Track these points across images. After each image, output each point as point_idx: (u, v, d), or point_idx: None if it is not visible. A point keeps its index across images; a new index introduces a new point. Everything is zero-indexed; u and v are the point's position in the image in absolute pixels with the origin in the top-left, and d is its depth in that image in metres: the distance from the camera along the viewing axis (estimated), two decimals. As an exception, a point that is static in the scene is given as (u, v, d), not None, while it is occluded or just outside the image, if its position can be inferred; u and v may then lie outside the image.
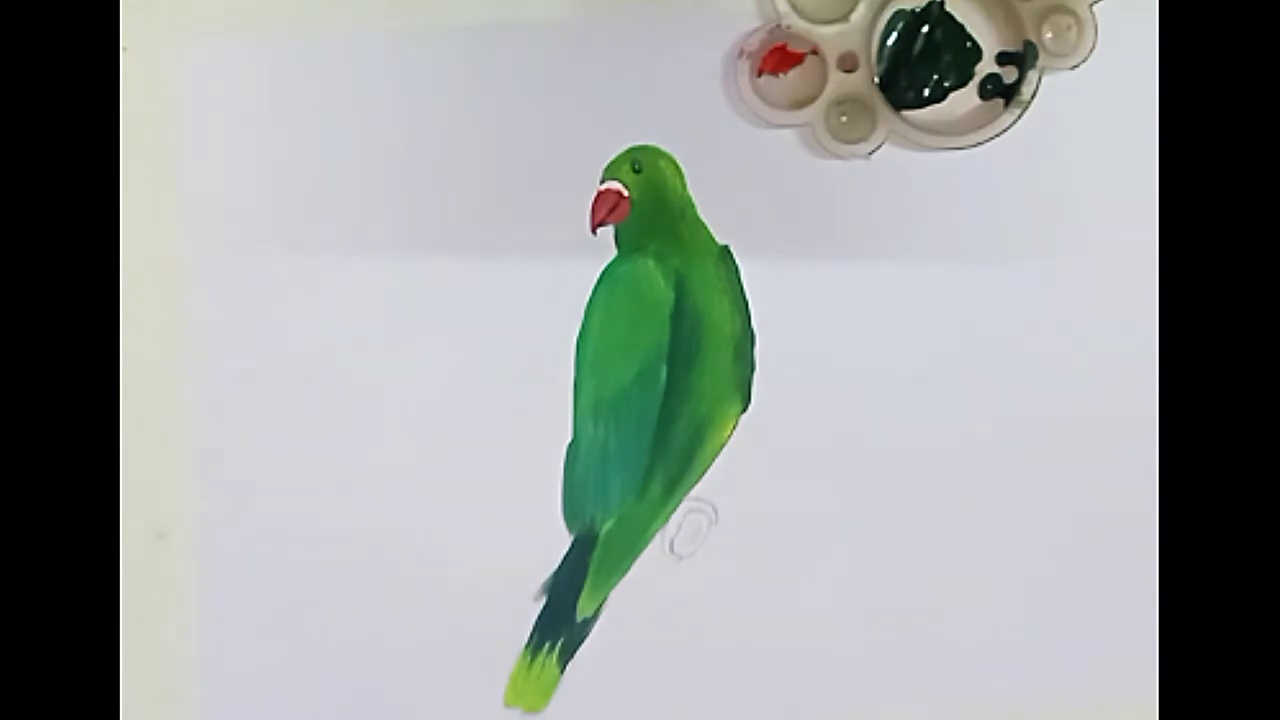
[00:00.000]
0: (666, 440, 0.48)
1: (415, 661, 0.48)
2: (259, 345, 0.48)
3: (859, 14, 0.47)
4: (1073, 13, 0.47)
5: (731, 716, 0.49)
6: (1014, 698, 0.49)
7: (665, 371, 0.48)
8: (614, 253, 0.48)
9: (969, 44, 0.48)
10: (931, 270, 0.48)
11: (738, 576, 0.49)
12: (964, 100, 0.48)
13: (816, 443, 0.48)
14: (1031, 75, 0.47)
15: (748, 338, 0.48)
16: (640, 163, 0.47)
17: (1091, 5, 0.47)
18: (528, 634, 0.48)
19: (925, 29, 0.47)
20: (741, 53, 0.47)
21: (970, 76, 0.48)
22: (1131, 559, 0.49)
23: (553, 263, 0.48)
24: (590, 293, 0.48)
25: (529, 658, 0.48)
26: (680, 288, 0.48)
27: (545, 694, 0.49)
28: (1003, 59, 0.48)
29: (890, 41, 0.47)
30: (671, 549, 0.49)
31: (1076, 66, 0.47)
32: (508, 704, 0.49)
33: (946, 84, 0.48)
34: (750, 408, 0.48)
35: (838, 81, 0.47)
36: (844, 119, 0.47)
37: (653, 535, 0.49)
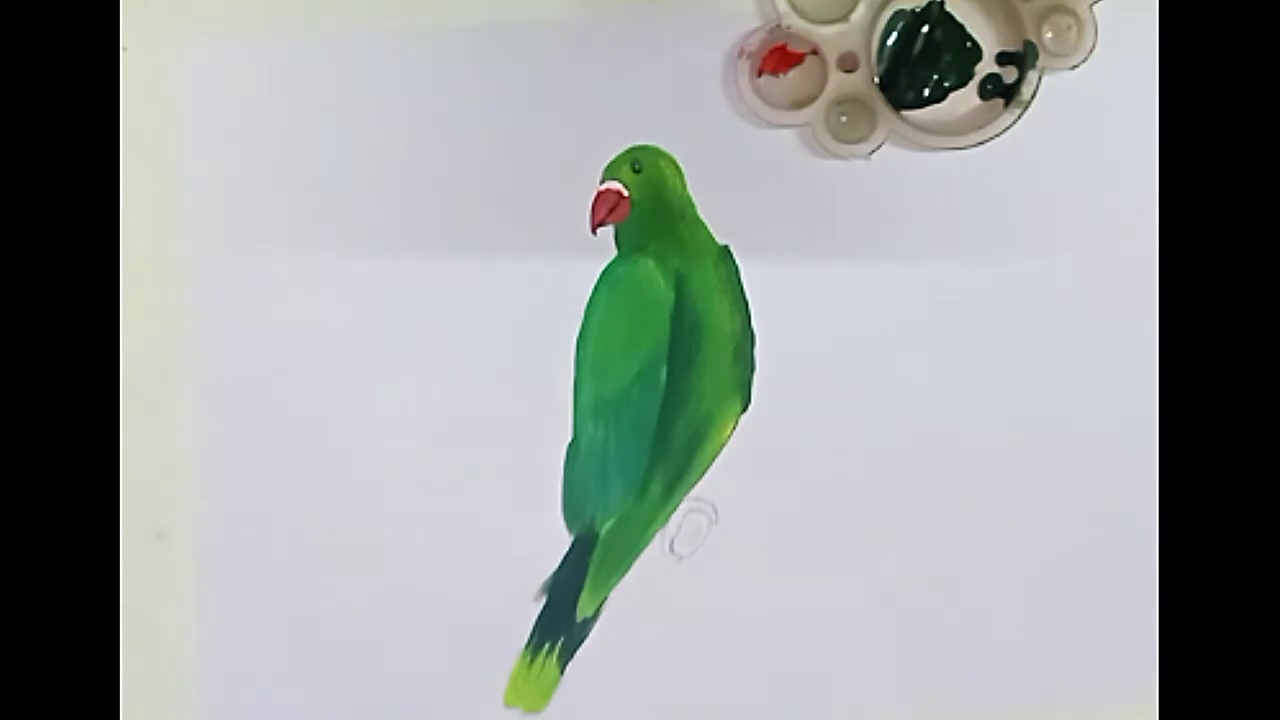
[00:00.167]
0: (666, 440, 0.48)
1: (415, 661, 0.48)
2: (259, 345, 0.48)
3: (859, 14, 0.47)
4: (1073, 13, 0.47)
5: (731, 716, 0.49)
6: (1014, 697, 0.49)
7: (665, 371, 0.48)
8: (614, 253, 0.48)
9: (969, 44, 0.48)
10: (931, 270, 0.48)
11: (738, 576, 0.49)
12: (964, 100, 0.48)
13: (816, 443, 0.49)
14: (1031, 75, 0.47)
15: (748, 338, 0.48)
16: (640, 163, 0.47)
17: (1091, 5, 0.47)
18: (528, 634, 0.48)
19: (925, 29, 0.47)
20: (741, 53, 0.47)
21: (970, 76, 0.48)
22: (1131, 558, 0.49)
23: (553, 263, 0.48)
24: (590, 293, 0.48)
25: (529, 658, 0.48)
26: (680, 288, 0.48)
27: (545, 694, 0.49)
28: (1003, 59, 0.48)
29: (890, 41, 0.47)
30: (671, 549, 0.49)
31: (1076, 66, 0.47)
32: (508, 704, 0.49)
33: (946, 84, 0.48)
34: (750, 408, 0.48)
35: (838, 81, 0.47)
36: (844, 119, 0.47)
37: (653, 535, 0.49)
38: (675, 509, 0.49)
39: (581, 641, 0.49)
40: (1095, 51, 0.47)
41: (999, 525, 0.49)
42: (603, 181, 0.48)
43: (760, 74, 0.47)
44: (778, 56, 0.47)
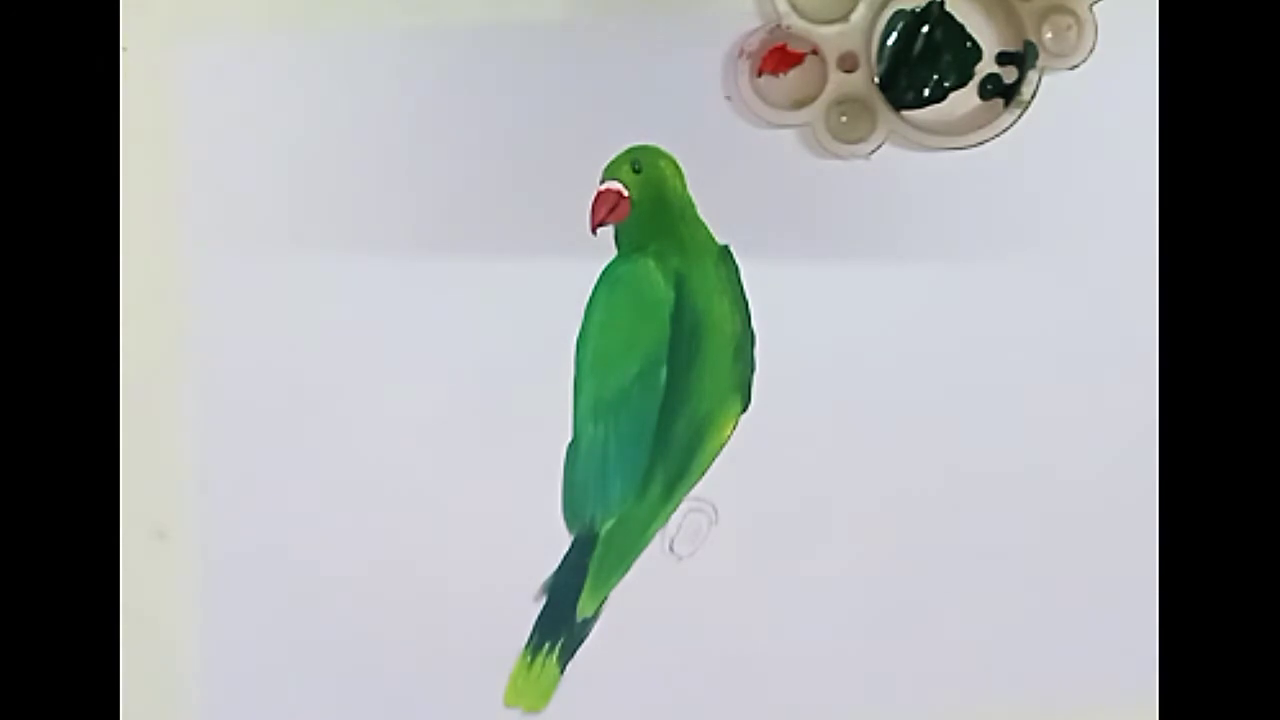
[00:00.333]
0: (666, 440, 0.48)
1: (415, 661, 0.48)
2: (259, 345, 0.48)
3: (859, 14, 0.47)
4: (1073, 13, 0.47)
5: (731, 716, 0.49)
6: (1014, 697, 0.49)
7: (665, 371, 0.48)
8: (614, 253, 0.48)
9: (969, 44, 0.48)
10: (931, 270, 0.48)
11: (738, 576, 0.49)
12: (964, 100, 0.48)
13: (816, 443, 0.48)
14: (1031, 75, 0.47)
15: (748, 338, 0.48)
16: (640, 163, 0.47)
17: (1091, 5, 0.47)
18: (528, 634, 0.48)
19: (925, 29, 0.47)
20: (741, 53, 0.47)
21: (970, 76, 0.48)
22: (1131, 558, 0.49)
23: (553, 263, 0.48)
24: (590, 293, 0.48)
25: (529, 658, 0.48)
26: (680, 288, 0.48)
27: (545, 694, 0.49)
28: (1003, 59, 0.48)
29: (890, 41, 0.47)
30: (671, 549, 0.49)
31: (1076, 66, 0.47)
32: (508, 704, 0.49)
33: (946, 84, 0.48)
34: (750, 408, 0.48)
35: (838, 81, 0.47)
36: (844, 119, 0.47)
37: (653, 535, 0.49)
38: (675, 509, 0.49)
39: (581, 641, 0.49)
40: (1095, 51, 0.47)
41: (999, 525, 0.49)
42: (603, 181, 0.48)
43: (760, 74, 0.47)
44: (778, 56, 0.47)
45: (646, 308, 0.48)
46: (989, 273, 0.48)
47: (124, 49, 0.46)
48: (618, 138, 0.47)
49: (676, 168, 0.48)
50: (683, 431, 0.48)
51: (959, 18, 0.48)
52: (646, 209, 0.47)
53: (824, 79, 0.47)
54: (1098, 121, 0.48)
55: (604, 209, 0.47)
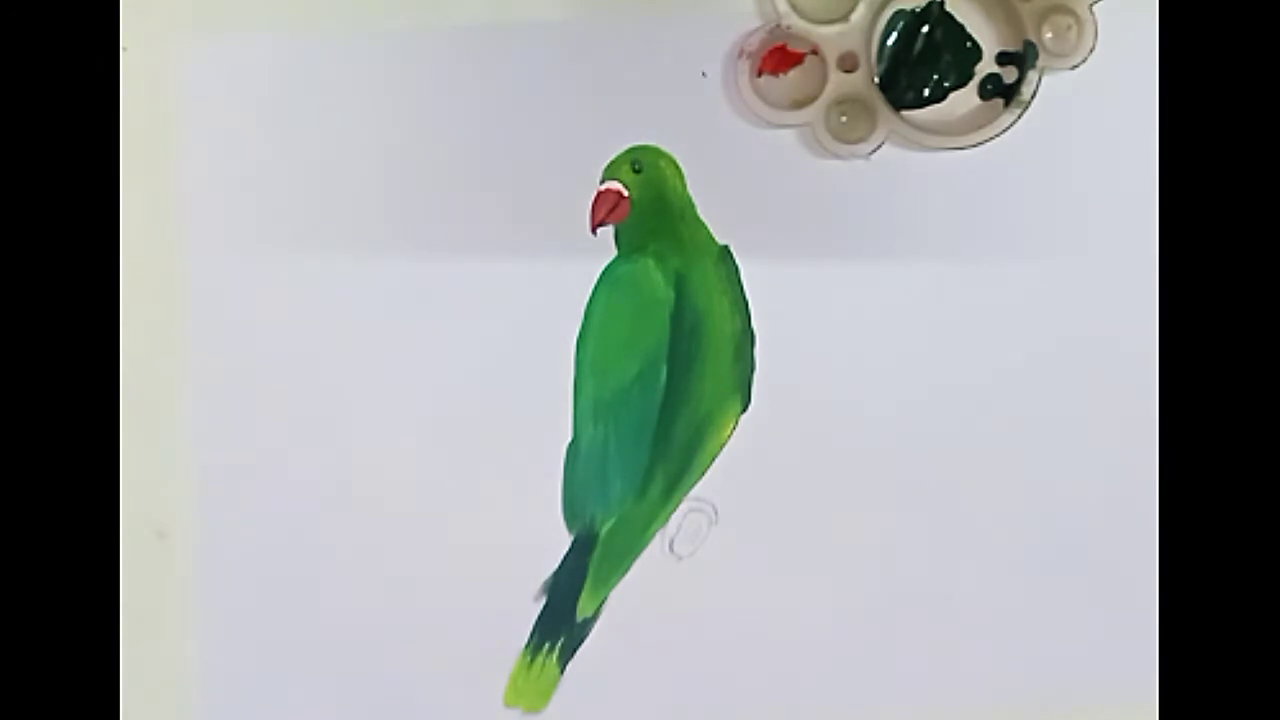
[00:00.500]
0: (666, 440, 0.48)
1: (415, 661, 0.48)
2: (259, 345, 0.48)
3: (859, 14, 0.47)
4: (1073, 13, 0.47)
5: (731, 716, 0.49)
6: (1014, 697, 0.49)
7: (665, 371, 0.48)
8: (614, 253, 0.48)
9: (969, 44, 0.48)
10: (931, 270, 0.48)
11: (738, 576, 0.49)
12: (964, 100, 0.48)
13: (816, 443, 0.48)
14: (1031, 75, 0.47)
15: (748, 338, 0.48)
16: (640, 163, 0.47)
17: (1091, 5, 0.47)
18: (528, 634, 0.48)
19: (925, 29, 0.47)
20: (741, 53, 0.47)
21: (970, 76, 0.48)
22: (1131, 558, 0.49)
23: (553, 263, 0.48)
24: (590, 293, 0.48)
25: (529, 658, 0.48)
26: (680, 288, 0.48)
27: (545, 694, 0.49)
28: (1003, 59, 0.48)
29: (890, 41, 0.47)
30: (671, 549, 0.49)
31: (1076, 66, 0.47)
32: (508, 704, 0.49)
33: (946, 84, 0.48)
34: (750, 408, 0.48)
35: (838, 81, 0.47)
36: (844, 119, 0.47)
37: (653, 535, 0.49)
38: (675, 509, 0.49)
39: (581, 641, 0.49)
40: (1095, 51, 0.47)
41: (999, 525, 0.49)
42: (603, 181, 0.48)
43: (760, 74, 0.47)
44: (778, 56, 0.47)
45: (646, 308, 0.48)
46: (989, 273, 0.48)
47: (124, 49, 0.46)
48: (618, 138, 0.47)
49: (676, 168, 0.48)
50: (683, 431, 0.48)
51: (959, 18, 0.48)
52: (646, 209, 0.47)
53: (824, 79, 0.47)
54: (1098, 121, 0.48)
55: (604, 209, 0.47)
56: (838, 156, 0.47)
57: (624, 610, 0.49)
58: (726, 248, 0.48)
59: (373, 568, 0.48)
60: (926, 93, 0.48)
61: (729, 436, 0.48)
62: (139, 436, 0.47)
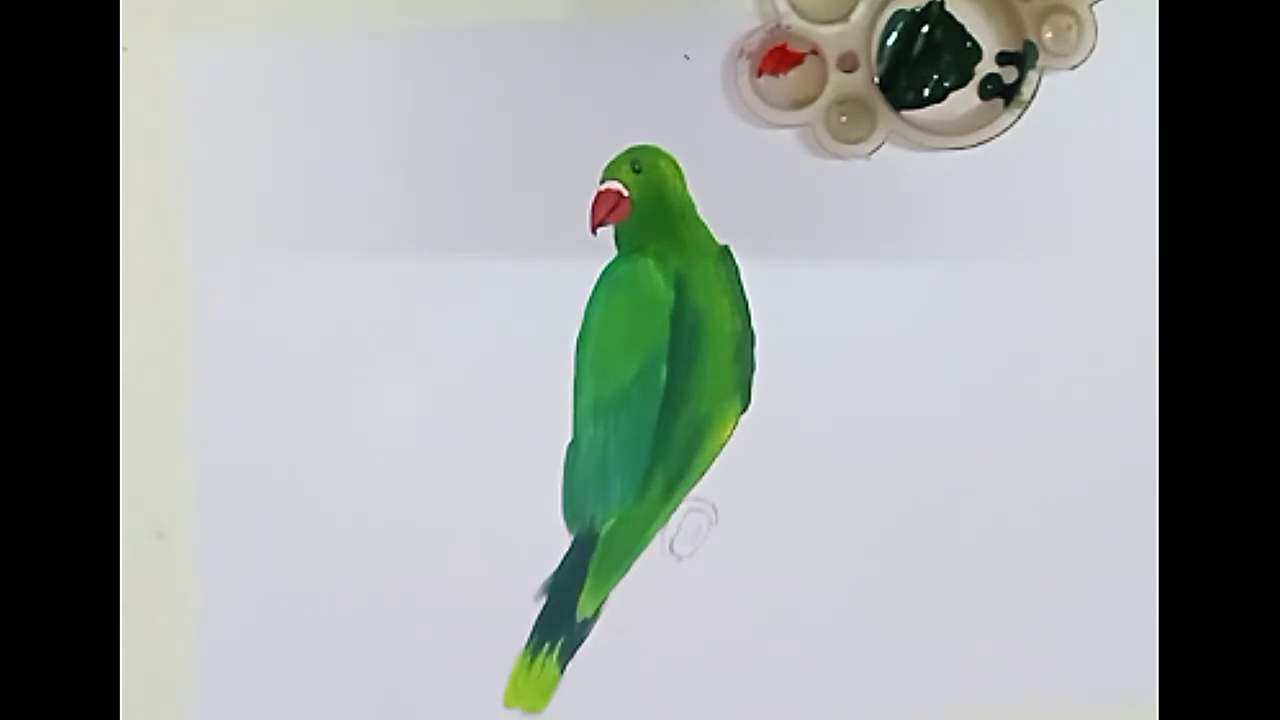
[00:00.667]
0: (666, 440, 0.48)
1: (415, 661, 0.48)
2: (259, 345, 0.48)
3: (859, 14, 0.47)
4: (1073, 13, 0.47)
5: (731, 716, 0.49)
6: (1014, 696, 0.49)
7: (665, 371, 0.48)
8: (614, 253, 0.48)
9: (969, 44, 0.48)
10: (931, 270, 0.48)
11: (738, 576, 0.49)
12: (964, 100, 0.48)
13: (816, 443, 0.48)
14: (1031, 75, 0.47)
15: (748, 338, 0.48)
16: (640, 163, 0.47)
17: (1091, 5, 0.47)
18: (528, 634, 0.48)
19: (925, 29, 0.47)
20: (741, 53, 0.47)
21: (970, 76, 0.48)
22: (1131, 558, 0.49)
23: (553, 263, 0.48)
24: (590, 293, 0.48)
25: (529, 658, 0.48)
26: (680, 288, 0.48)
27: (545, 694, 0.49)
28: (1003, 59, 0.48)
29: (890, 41, 0.47)
30: (671, 549, 0.49)
31: (1076, 66, 0.47)
32: (508, 704, 0.49)
33: (946, 84, 0.48)
34: (750, 408, 0.48)
35: (838, 81, 0.47)
36: (844, 119, 0.47)
37: (653, 535, 0.49)
38: (675, 509, 0.49)
39: (581, 641, 0.49)
40: (1095, 51, 0.47)
41: (999, 525, 0.49)
42: (603, 181, 0.48)
43: (760, 74, 0.47)
44: (778, 56, 0.47)
45: (646, 308, 0.48)
46: (989, 273, 0.48)
47: (124, 49, 0.46)
48: (618, 138, 0.47)
49: (676, 168, 0.48)
50: (683, 431, 0.48)
51: (959, 18, 0.48)
52: (646, 209, 0.47)
53: (824, 79, 0.47)
54: (1098, 121, 0.48)
55: (604, 209, 0.47)
56: (838, 156, 0.47)
57: (624, 610, 0.49)
58: (726, 248, 0.48)
59: (372, 568, 0.48)
60: (926, 93, 0.48)
61: (729, 436, 0.48)
62: (139, 436, 0.47)
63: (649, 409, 0.48)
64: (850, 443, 0.49)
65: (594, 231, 0.48)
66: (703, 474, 0.48)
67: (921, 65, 0.48)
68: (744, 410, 0.48)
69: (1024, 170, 0.48)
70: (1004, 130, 0.47)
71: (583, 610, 0.48)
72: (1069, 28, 0.47)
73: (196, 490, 0.48)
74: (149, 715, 0.48)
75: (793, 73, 0.47)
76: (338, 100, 0.47)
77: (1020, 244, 0.48)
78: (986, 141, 0.47)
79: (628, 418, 0.48)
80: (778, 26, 0.47)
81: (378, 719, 0.49)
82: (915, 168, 0.48)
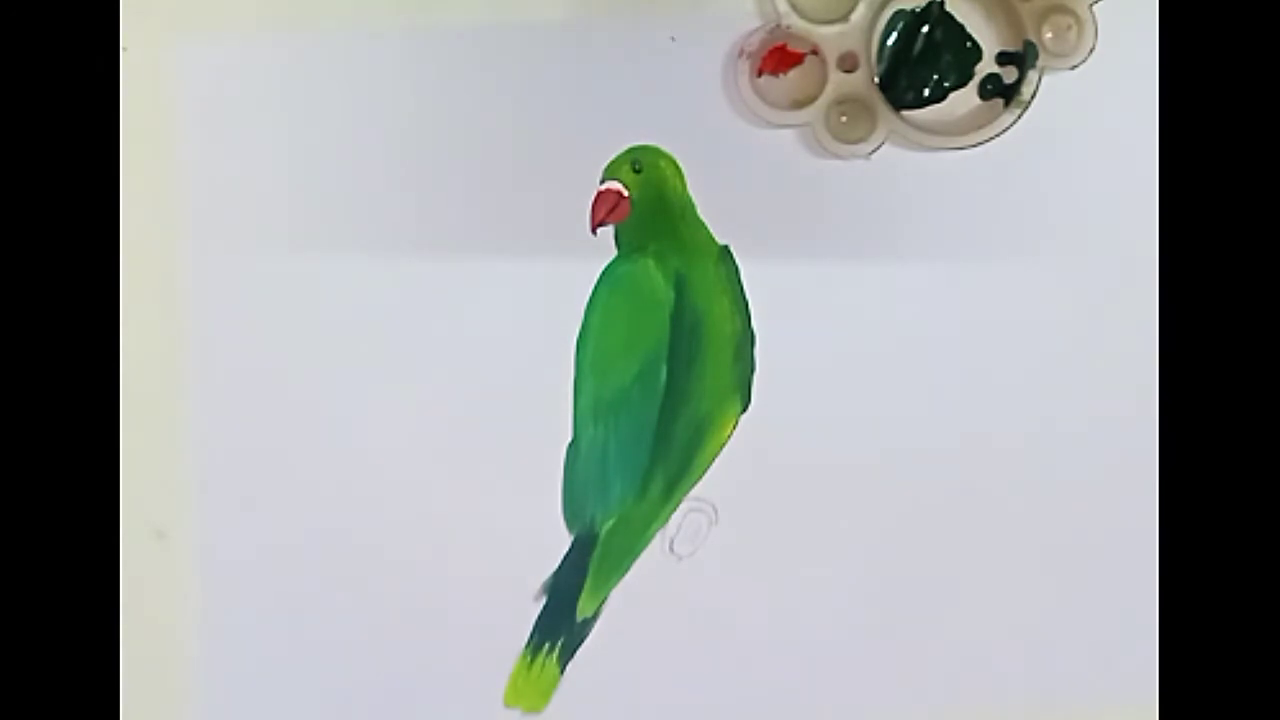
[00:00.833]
0: (666, 440, 0.48)
1: (415, 661, 0.48)
2: (259, 345, 0.48)
3: (859, 14, 0.47)
4: (1073, 13, 0.47)
5: (731, 716, 0.49)
6: (1014, 697, 0.49)
7: (665, 371, 0.48)
8: (614, 253, 0.48)
9: (969, 44, 0.48)
10: (931, 270, 0.48)
11: (738, 576, 0.49)
12: (964, 100, 0.48)
13: (816, 443, 0.48)
14: (1031, 75, 0.47)
15: (748, 338, 0.48)
16: (640, 163, 0.47)
17: (1091, 5, 0.47)
18: (528, 634, 0.48)
19: (925, 29, 0.47)
20: (741, 53, 0.47)
21: (970, 76, 0.48)
22: (1131, 558, 0.49)
23: (553, 263, 0.48)
24: (590, 293, 0.48)
25: (529, 658, 0.48)
26: (680, 288, 0.48)
27: (545, 694, 0.49)
28: (1003, 59, 0.48)
29: (890, 41, 0.47)
30: (671, 549, 0.49)
31: (1076, 66, 0.47)
32: (508, 704, 0.49)
33: (946, 84, 0.48)
34: (750, 408, 0.48)
35: (838, 81, 0.47)
36: (844, 119, 0.47)
37: (653, 535, 0.49)
38: (675, 509, 0.49)
39: (581, 641, 0.49)
40: (1095, 51, 0.47)
41: (999, 525, 0.49)
42: (603, 181, 0.48)
43: (760, 74, 0.47)
44: (778, 56, 0.47)
45: (646, 308, 0.48)
46: (989, 273, 0.48)
47: (124, 49, 0.46)
48: (618, 138, 0.47)
49: (676, 168, 0.48)
50: (683, 431, 0.48)
51: (959, 18, 0.48)
52: (646, 209, 0.47)
53: (824, 79, 0.47)
54: (1098, 121, 0.48)
55: (604, 209, 0.47)
56: (838, 156, 0.47)
57: (624, 610, 0.49)
58: (726, 248, 0.48)
59: (372, 568, 0.48)
60: (926, 93, 0.48)
61: (729, 436, 0.48)
62: (139, 436, 0.47)
63: (649, 409, 0.48)
64: (850, 443, 0.49)
65: (594, 231, 0.48)
66: (703, 474, 0.48)
67: (921, 65, 0.48)
68: (744, 410, 0.48)
69: (1024, 170, 0.48)
70: (1004, 130, 0.47)
71: (583, 610, 0.48)
72: (1069, 28, 0.47)
73: (196, 490, 0.48)
74: (149, 715, 0.48)
75: (793, 73, 0.47)
76: (338, 100, 0.47)
77: (1020, 244, 0.48)
78: (986, 141, 0.47)
79: (628, 418, 0.48)
80: (778, 26, 0.47)
81: (378, 719, 0.49)
82: (915, 168, 0.48)
